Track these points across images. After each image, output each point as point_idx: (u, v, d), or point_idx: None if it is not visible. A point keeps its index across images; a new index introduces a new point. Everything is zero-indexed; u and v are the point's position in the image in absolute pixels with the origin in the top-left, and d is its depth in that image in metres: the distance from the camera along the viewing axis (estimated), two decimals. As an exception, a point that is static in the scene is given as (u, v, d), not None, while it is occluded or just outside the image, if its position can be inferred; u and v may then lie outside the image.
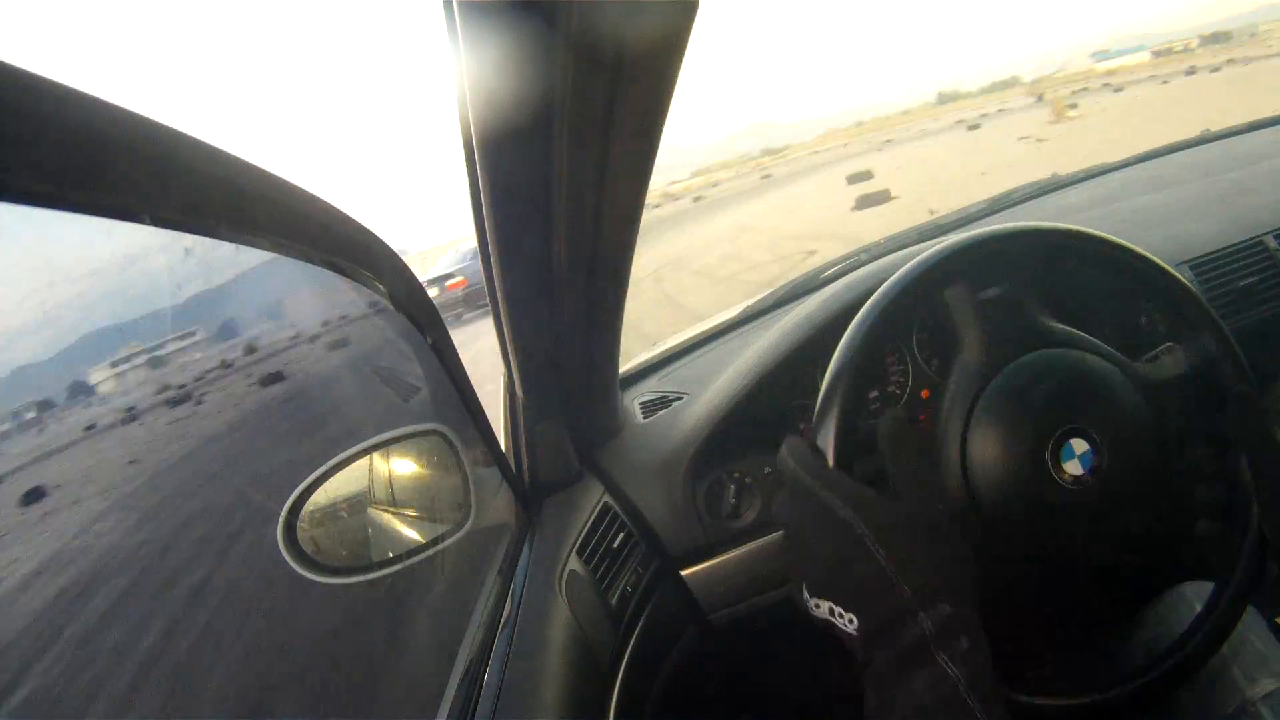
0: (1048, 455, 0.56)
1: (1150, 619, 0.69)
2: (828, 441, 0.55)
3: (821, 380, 0.59)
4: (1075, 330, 0.63)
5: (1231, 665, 0.64)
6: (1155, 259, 0.63)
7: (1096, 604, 0.63)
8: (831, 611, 0.49)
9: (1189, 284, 0.63)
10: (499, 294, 0.65)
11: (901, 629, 0.45)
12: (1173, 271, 0.63)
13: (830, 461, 0.54)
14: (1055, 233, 0.63)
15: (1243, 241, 0.97)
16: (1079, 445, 0.57)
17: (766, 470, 0.87)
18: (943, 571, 0.48)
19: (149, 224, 0.29)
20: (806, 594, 0.51)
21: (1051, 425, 0.57)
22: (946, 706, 0.42)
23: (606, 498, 0.85)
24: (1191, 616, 0.62)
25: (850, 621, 0.47)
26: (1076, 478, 0.56)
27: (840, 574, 0.49)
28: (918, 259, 0.62)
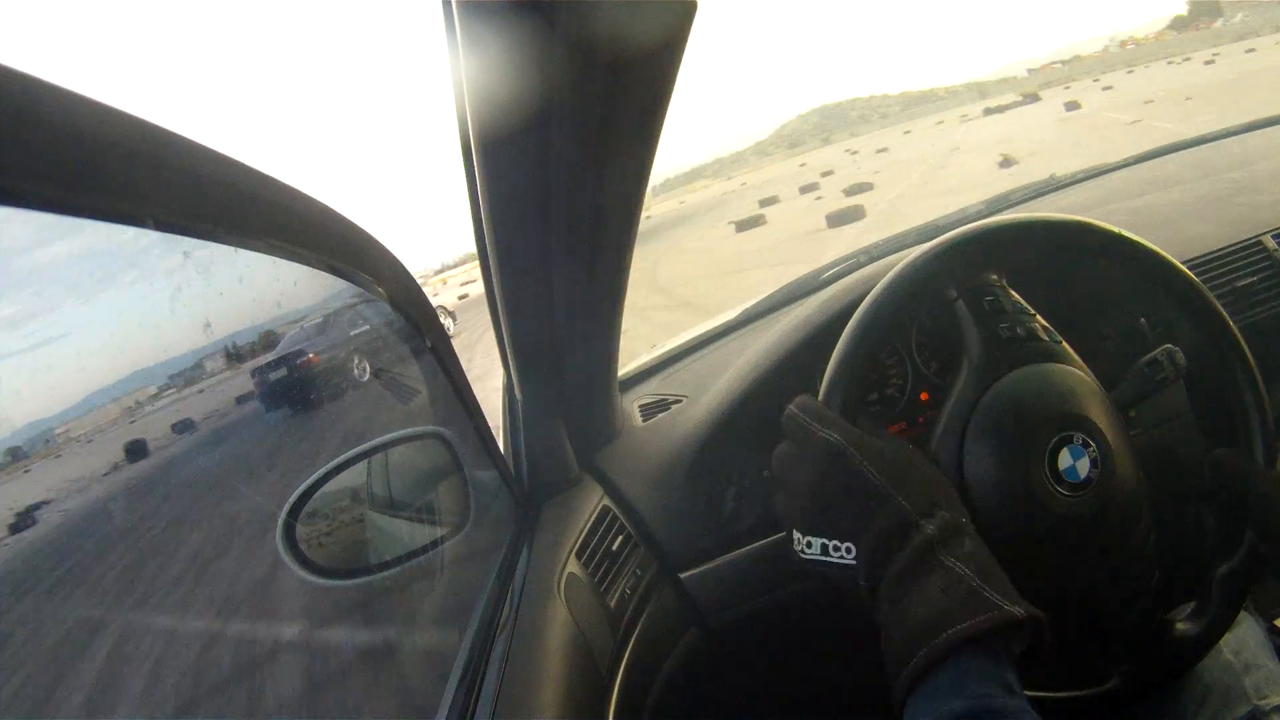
0: (1044, 466, 0.56)
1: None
2: (834, 396, 0.57)
3: (821, 381, 0.59)
4: (1068, 348, 0.63)
5: (1242, 678, 0.64)
6: (1166, 254, 0.63)
7: (1098, 619, 0.63)
8: (825, 549, 0.49)
9: (1198, 280, 0.63)
10: (498, 295, 0.65)
11: (905, 539, 0.45)
12: (1183, 268, 0.63)
13: (837, 413, 0.56)
14: (1068, 225, 0.63)
15: (1242, 242, 0.97)
16: (1075, 455, 0.57)
17: (765, 473, 0.87)
18: (935, 485, 0.49)
19: (151, 227, 0.29)
20: (797, 537, 0.51)
21: (1046, 436, 0.57)
22: (966, 602, 0.42)
23: (605, 500, 0.85)
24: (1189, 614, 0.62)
25: (848, 551, 0.48)
26: (1074, 487, 0.56)
27: (833, 502, 0.50)
28: (936, 240, 0.62)
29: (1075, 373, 0.61)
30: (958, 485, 0.58)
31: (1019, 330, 0.62)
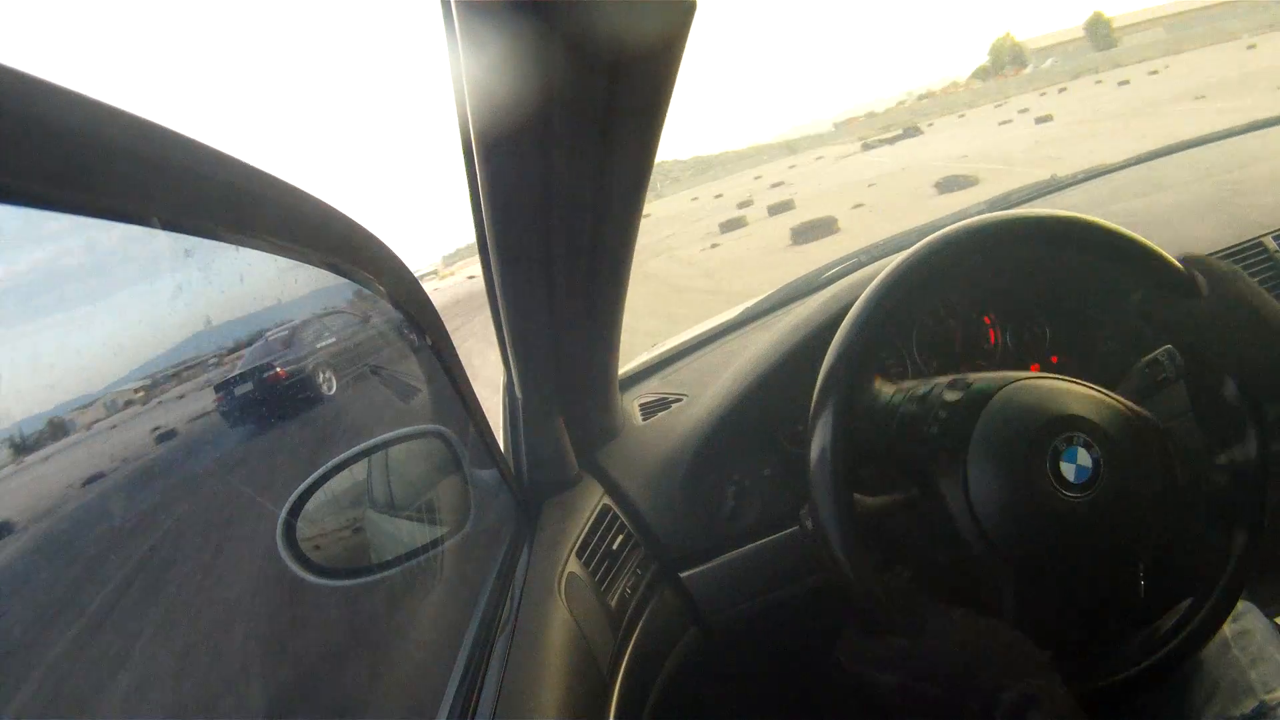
0: (1047, 471, 0.56)
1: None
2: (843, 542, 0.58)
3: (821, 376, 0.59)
4: (984, 373, 0.63)
5: (1249, 671, 0.64)
6: (1160, 249, 0.63)
7: (1106, 618, 0.63)
8: None
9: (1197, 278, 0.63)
10: (499, 295, 0.65)
11: None
12: (1176, 263, 0.63)
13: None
14: (1058, 220, 0.63)
15: (1242, 243, 0.97)
16: (1071, 456, 0.56)
17: (765, 472, 0.87)
18: (999, 660, 0.53)
19: (155, 226, 0.29)
20: None
21: (1045, 442, 0.57)
22: None
23: (606, 499, 0.85)
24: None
25: None
26: (1082, 487, 0.56)
27: None
28: (923, 241, 0.62)
29: (1022, 388, 0.60)
30: (963, 494, 0.58)
31: (940, 413, 0.61)
